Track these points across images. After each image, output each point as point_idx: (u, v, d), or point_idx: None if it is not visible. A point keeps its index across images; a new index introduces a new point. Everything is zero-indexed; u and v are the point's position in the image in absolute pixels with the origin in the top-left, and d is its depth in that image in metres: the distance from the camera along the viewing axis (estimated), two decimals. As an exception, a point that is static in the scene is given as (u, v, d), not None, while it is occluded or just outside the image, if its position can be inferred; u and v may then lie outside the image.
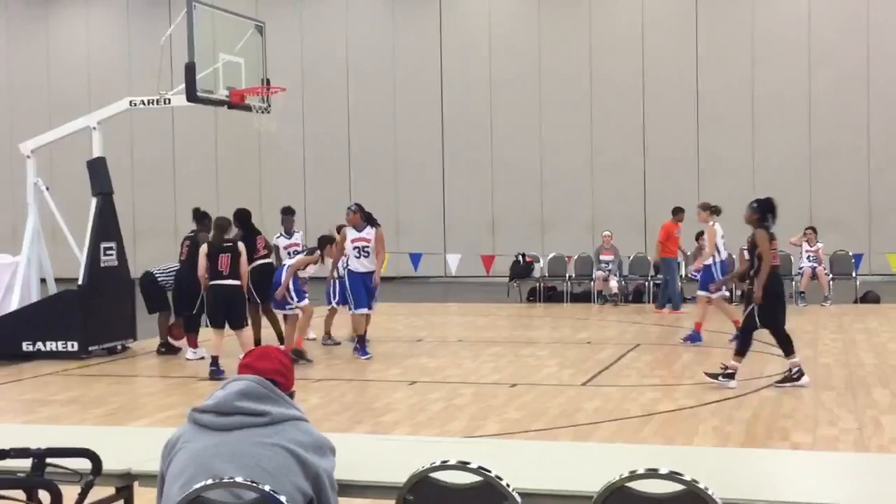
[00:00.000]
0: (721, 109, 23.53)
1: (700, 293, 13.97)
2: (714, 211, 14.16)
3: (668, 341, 14.33)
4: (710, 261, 13.88)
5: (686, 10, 23.84)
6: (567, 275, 20.37)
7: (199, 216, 13.78)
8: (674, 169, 23.65)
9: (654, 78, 23.91)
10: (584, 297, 20.02)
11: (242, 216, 13.67)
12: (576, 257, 20.55)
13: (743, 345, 10.48)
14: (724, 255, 14.09)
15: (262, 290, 13.19)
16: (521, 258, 20.86)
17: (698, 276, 14.29)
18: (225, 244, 12.01)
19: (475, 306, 19.37)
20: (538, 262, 20.80)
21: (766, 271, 10.20)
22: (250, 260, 12.71)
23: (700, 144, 23.75)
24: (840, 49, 22.97)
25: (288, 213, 14.80)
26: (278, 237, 14.39)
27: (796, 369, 10.41)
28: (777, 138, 23.29)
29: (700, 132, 23.75)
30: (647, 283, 19.65)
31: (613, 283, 19.40)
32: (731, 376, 10.40)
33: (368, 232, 12.87)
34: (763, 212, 10.54)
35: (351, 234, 12.92)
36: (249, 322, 12.73)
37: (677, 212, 17.81)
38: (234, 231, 13.02)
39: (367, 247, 12.80)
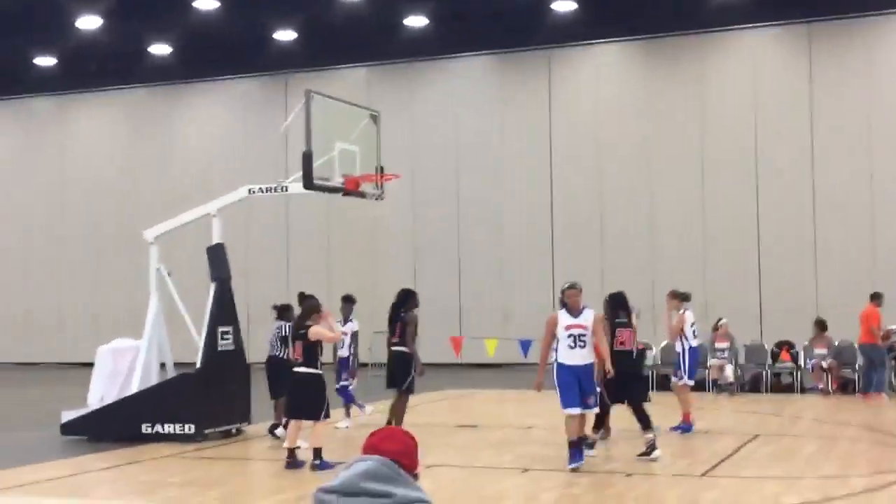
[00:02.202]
0: (839, 197, 23.06)
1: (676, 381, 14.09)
2: (683, 298, 14.26)
3: (790, 432, 13.87)
4: (678, 347, 14.07)
5: (800, 90, 23.60)
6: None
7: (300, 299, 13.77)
8: (788, 255, 23.19)
9: (768, 164, 23.62)
10: (698, 386, 19.51)
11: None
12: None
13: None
14: (693, 342, 14.17)
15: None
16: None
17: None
18: (301, 330, 11.66)
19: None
20: (650, 349, 20.44)
21: (606, 352, 11.14)
22: None
23: (817, 231, 23.26)
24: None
25: (348, 301, 14.99)
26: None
27: (650, 445, 11.20)
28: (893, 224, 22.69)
29: (816, 219, 23.28)
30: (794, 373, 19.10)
31: (729, 372, 18.93)
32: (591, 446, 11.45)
33: (587, 317, 10.93)
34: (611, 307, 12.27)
35: (564, 319, 10.92)
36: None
37: (876, 297, 17.77)
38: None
39: (584, 335, 10.86)
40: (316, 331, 11.49)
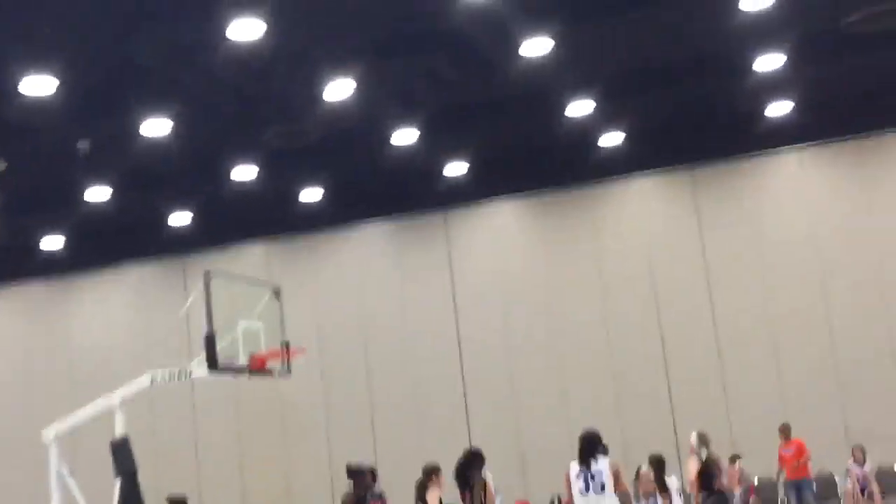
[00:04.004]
0: (741, 335, 23.49)
1: None
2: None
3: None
4: None
5: (690, 233, 24.25)
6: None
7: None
8: (699, 395, 23.37)
9: (669, 307, 24.05)
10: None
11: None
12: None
13: None
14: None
15: None
16: (555, 500, 20.28)
17: None
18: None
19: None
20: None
21: None
22: None
23: (725, 372, 23.56)
24: (850, 259, 23.18)
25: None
26: None
27: None
28: (799, 357, 23.12)
29: (722, 359, 23.62)
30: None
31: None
32: None
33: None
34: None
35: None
36: None
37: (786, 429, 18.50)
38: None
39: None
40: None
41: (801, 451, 18.35)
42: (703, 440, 13.77)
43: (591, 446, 10.77)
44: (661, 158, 24.39)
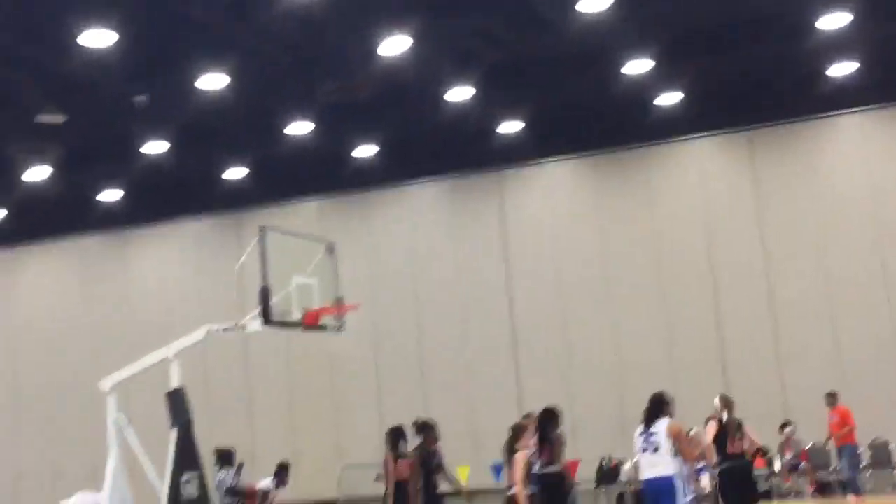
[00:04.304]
0: (796, 299, 23.21)
1: None
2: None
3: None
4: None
5: (745, 196, 23.94)
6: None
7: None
8: (751, 360, 23.16)
9: (723, 269, 23.80)
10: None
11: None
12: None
13: None
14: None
15: None
16: (605, 462, 20.23)
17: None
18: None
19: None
20: (624, 465, 20.14)
21: None
22: None
23: (778, 334, 23.31)
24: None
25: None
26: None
27: None
28: (856, 324, 22.80)
29: (777, 322, 23.36)
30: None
31: (706, 482, 18.61)
32: None
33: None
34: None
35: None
36: None
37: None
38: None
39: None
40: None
41: (844, 418, 18.19)
42: (725, 402, 13.63)
43: (653, 408, 10.92)
44: (719, 120, 24.03)
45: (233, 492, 12.53)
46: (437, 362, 25.65)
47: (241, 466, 14.97)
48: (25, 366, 28.76)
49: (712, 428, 13.15)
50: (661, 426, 10.50)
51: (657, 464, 10.37)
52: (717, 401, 13.61)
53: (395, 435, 13.99)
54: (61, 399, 27.82)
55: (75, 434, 26.87)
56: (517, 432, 11.60)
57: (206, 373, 26.19)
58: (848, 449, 18.05)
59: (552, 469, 12.65)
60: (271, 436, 25.82)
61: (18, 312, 29.31)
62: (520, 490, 11.10)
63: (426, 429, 12.05)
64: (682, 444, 10.71)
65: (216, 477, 13.04)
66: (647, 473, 10.48)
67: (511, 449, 11.52)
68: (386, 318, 25.80)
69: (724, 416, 13.06)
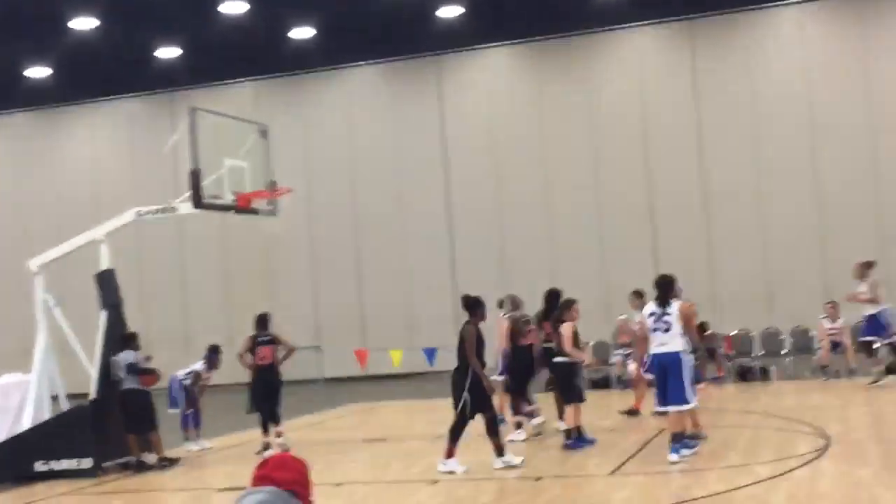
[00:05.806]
0: (728, 189, 23.52)
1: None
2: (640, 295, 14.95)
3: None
4: None
5: (684, 85, 24.02)
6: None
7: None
8: (682, 247, 23.54)
9: (657, 159, 24.00)
10: (602, 384, 19.69)
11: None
12: (591, 343, 20.21)
13: None
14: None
15: None
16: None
17: None
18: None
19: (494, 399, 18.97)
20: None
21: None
22: None
23: (709, 223, 23.69)
24: (841, 118, 23.03)
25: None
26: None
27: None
28: (783, 214, 23.22)
29: (707, 211, 23.71)
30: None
31: (632, 367, 19.05)
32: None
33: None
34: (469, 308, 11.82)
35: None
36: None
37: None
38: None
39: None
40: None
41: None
42: (514, 302, 14.45)
43: (663, 289, 11.25)
44: (659, 10, 23.91)
45: (134, 369, 12.76)
46: (372, 247, 25.73)
47: (216, 348, 15.15)
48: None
49: (504, 322, 14.16)
50: (674, 308, 10.94)
51: (667, 342, 10.87)
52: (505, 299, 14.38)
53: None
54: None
55: (3, 314, 26.66)
56: (563, 308, 12.73)
57: (141, 254, 26.03)
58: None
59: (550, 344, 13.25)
60: (205, 318, 25.86)
61: (-54, 191, 28.73)
62: (577, 353, 12.48)
63: (474, 304, 12.22)
64: (689, 324, 11.32)
65: (120, 357, 13.05)
66: (657, 349, 10.97)
67: (555, 327, 12.55)
68: (322, 202, 25.74)
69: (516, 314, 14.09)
